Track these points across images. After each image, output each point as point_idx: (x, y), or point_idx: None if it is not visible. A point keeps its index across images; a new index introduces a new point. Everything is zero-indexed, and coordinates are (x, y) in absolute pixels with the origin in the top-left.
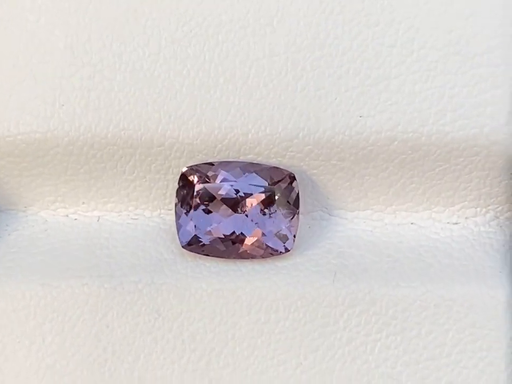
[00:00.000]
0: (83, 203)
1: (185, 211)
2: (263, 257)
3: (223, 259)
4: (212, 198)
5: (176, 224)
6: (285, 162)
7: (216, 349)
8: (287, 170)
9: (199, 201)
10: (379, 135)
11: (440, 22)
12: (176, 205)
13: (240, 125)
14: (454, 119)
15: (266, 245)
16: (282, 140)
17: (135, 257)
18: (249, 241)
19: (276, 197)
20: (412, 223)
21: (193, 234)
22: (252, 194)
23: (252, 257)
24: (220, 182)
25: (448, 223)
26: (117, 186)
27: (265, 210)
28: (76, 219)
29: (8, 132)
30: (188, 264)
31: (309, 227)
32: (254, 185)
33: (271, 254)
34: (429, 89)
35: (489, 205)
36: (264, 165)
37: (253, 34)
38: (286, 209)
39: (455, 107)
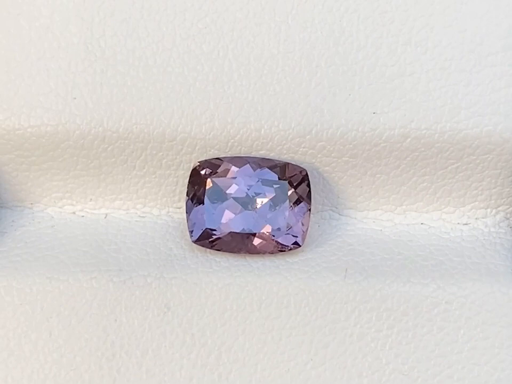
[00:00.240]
0: (91, 200)
1: (196, 206)
2: (273, 253)
3: (233, 254)
4: (223, 193)
5: (187, 219)
6: (297, 158)
7: (226, 344)
8: (300, 167)
9: (210, 197)
10: (392, 132)
11: (454, 20)
12: (186, 199)
13: (253, 120)
14: (468, 117)
15: (276, 241)
16: (295, 136)
17: (143, 253)
18: (259, 236)
19: (288, 193)
20: (421, 223)
21: (203, 230)
22: (263, 189)
23: (262, 253)
24: (232, 177)
25: (458, 223)
26: (126, 182)
27: (276, 206)
28: (83, 216)
29: (19, 125)
30: (198, 259)
31: (318, 226)
32: (266, 180)
33: (281, 250)
34: (443, 87)
35: (499, 206)
36: (277, 160)
37: (267, 31)
38: (298, 205)
39: (469, 105)
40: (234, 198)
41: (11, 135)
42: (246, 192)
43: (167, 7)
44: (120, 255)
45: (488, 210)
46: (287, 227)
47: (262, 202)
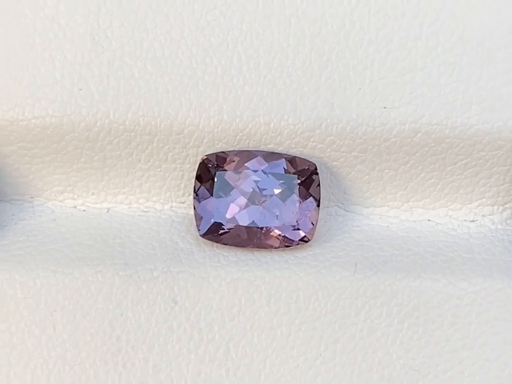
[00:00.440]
0: (92, 194)
1: (203, 200)
2: (280, 248)
3: (241, 248)
4: (230, 187)
5: (194, 212)
6: (305, 152)
7: (234, 339)
8: (308, 161)
9: (217, 191)
10: (403, 127)
11: (465, 14)
12: (194, 193)
13: (263, 114)
14: (479, 112)
15: (284, 236)
16: (305, 130)
17: (149, 247)
18: (267, 231)
19: (296, 188)
20: (428, 220)
21: (211, 224)
22: (271, 184)
23: (270, 248)
24: (239, 171)
25: (465, 220)
26: (130, 176)
27: (285, 200)
28: (84, 210)
29: (23, 116)
30: (205, 253)
31: (325, 221)
32: (274, 174)
33: (289, 245)
34: (454, 82)
35: (506, 203)
36: (285, 154)
37: (277, 24)
38: (306, 200)
39: (480, 100)
40: (242, 192)
41: (14, 126)
42: (254, 186)
43: None
44: (126, 249)
45: (495, 207)
46: (296, 222)
47: (270, 196)
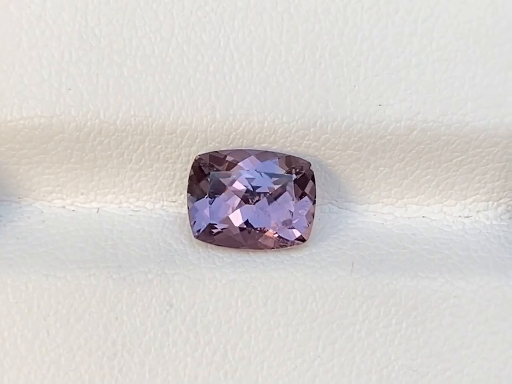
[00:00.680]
0: (82, 194)
1: (197, 200)
2: (275, 248)
3: (236, 249)
4: (224, 187)
5: (188, 213)
6: (300, 151)
7: (231, 342)
8: (303, 159)
9: (210, 191)
10: (398, 124)
11: (460, 10)
12: (187, 194)
13: (256, 112)
14: (475, 109)
15: (279, 236)
16: (299, 128)
17: (142, 249)
18: (262, 231)
19: (291, 187)
20: (423, 216)
21: (205, 224)
22: (265, 183)
23: (265, 248)
24: (233, 170)
25: (459, 216)
26: (120, 176)
27: (279, 200)
28: (73, 210)
29: (11, 117)
30: (199, 255)
31: (319, 219)
32: (268, 173)
33: (284, 245)
34: (449, 78)
35: (501, 198)
36: (279, 153)
37: (269, 20)
38: (302, 199)
39: (476, 96)
40: (236, 192)
41: (2, 127)
42: (248, 186)
43: None
44: (118, 251)
45: (490, 203)
46: (291, 222)
47: (264, 196)
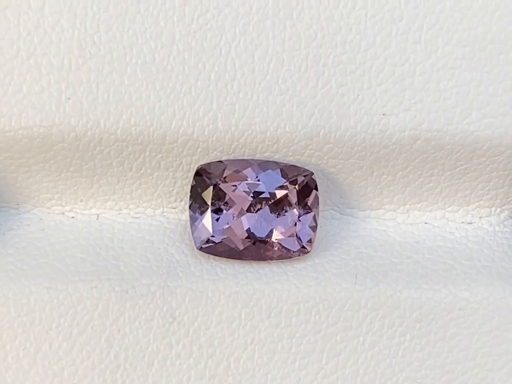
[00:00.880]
0: (81, 200)
1: (199, 211)
2: (279, 259)
3: (239, 260)
4: (226, 197)
5: (191, 225)
6: (302, 160)
7: (234, 354)
8: (306, 169)
9: (212, 201)
10: (402, 134)
11: (465, 18)
12: (189, 204)
13: (258, 122)
14: (479, 118)
15: (283, 246)
16: (302, 138)
17: (144, 259)
18: (265, 242)
19: (293, 196)
20: (425, 223)
21: (207, 236)
22: (268, 193)
23: (269, 259)
24: (235, 180)
25: (462, 222)
26: (120, 183)
27: (282, 210)
28: (72, 217)
29: (9, 127)
30: (202, 266)
31: (321, 226)
32: (271, 183)
33: (288, 256)
34: (454, 87)
35: (504, 205)
36: (281, 162)
37: (272, 27)
38: (304, 209)
39: (480, 105)
40: (238, 202)
41: (0, 136)
42: (250, 196)
43: (165, 1)
44: (120, 262)
45: (493, 209)
46: (294, 232)
47: (267, 206)
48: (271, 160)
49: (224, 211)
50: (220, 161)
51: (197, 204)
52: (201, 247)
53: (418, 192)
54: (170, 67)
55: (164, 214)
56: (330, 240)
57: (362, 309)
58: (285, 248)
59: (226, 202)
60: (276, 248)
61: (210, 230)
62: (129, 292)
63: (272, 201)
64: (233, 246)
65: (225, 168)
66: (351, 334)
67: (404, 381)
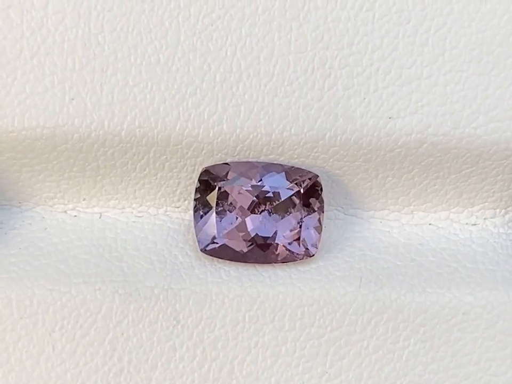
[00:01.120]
0: (84, 199)
1: (203, 213)
2: (283, 262)
3: (242, 263)
4: (231, 199)
5: (194, 226)
6: (307, 162)
7: (238, 358)
8: (311, 172)
9: (217, 203)
10: (409, 137)
11: (473, 21)
12: (194, 206)
13: (264, 124)
14: (486, 122)
15: (288, 249)
16: (308, 141)
17: (148, 261)
18: (269, 245)
19: (298, 199)
20: (429, 224)
21: (211, 238)
22: (272, 195)
23: (273, 262)
24: (240, 182)
25: (466, 224)
26: (124, 183)
27: (286, 212)
28: (75, 216)
29: (12, 127)
30: (206, 268)
31: (325, 227)
32: (275, 186)
33: (293, 259)
34: (461, 90)
35: (509, 206)
36: (286, 165)
37: (278, 29)
38: (309, 211)
39: (488, 109)
40: (243, 204)
41: (3, 137)
42: (255, 198)
43: (170, 1)
44: (123, 264)
45: (497, 210)
46: (299, 235)
47: (272, 208)
48: (276, 162)
49: (228, 213)
50: (225, 163)
51: (200, 206)
52: (205, 249)
53: (423, 194)
54: (175, 68)
55: (167, 213)
56: (334, 241)
57: (367, 313)
58: (290, 251)
59: (230, 204)
60: (280, 251)
61: (215, 231)
62: (132, 295)
63: (277, 203)
64: (237, 249)
65: (230, 170)
66: (355, 338)
67: None
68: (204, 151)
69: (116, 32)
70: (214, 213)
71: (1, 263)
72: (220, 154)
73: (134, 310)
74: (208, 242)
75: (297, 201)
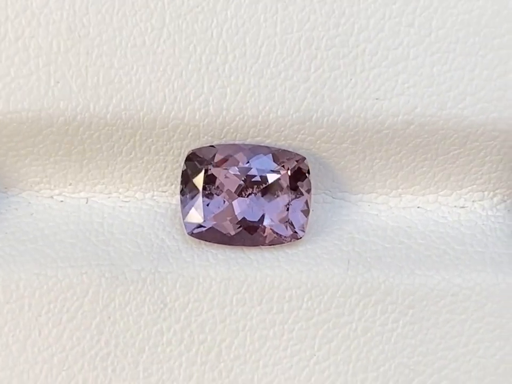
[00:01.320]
0: (70, 184)
1: (190, 196)
2: (271, 244)
3: (230, 246)
4: (217, 182)
5: (181, 210)
6: (294, 145)
7: (226, 341)
8: (298, 154)
9: (204, 186)
10: (396, 119)
11: (459, 1)
12: (180, 189)
13: (250, 106)
14: (473, 103)
15: (275, 232)
16: (294, 123)
17: (135, 245)
18: (256, 227)
19: (285, 181)
20: (418, 207)
21: (198, 221)
22: (259, 178)
23: (261, 244)
24: (226, 165)
25: (455, 206)
26: (110, 167)
27: (274, 195)
28: (61, 201)
29: None
30: (193, 252)
31: (312, 210)
32: (262, 168)
33: (280, 241)
34: (447, 72)
35: (497, 189)
36: (273, 147)
37: (264, 10)
38: (296, 194)
39: (475, 90)
40: (230, 187)
41: None
42: (242, 181)
43: None
44: (110, 247)
45: (486, 193)
46: (287, 217)
47: (259, 191)
48: (262, 144)
49: (215, 196)
50: (211, 146)
51: (187, 189)
52: (192, 233)
53: (411, 176)
54: (160, 50)
55: (154, 197)
56: (322, 225)
57: (355, 295)
58: (277, 233)
59: (217, 187)
60: (268, 234)
61: (201, 215)
62: (119, 278)
63: (264, 185)
64: (224, 232)
65: (216, 152)
66: (343, 321)
67: (396, 367)
68: (190, 134)
69: (101, 14)
70: (201, 196)
71: None
72: (206, 137)
73: (121, 293)
74: (196, 225)
75: (284, 184)
